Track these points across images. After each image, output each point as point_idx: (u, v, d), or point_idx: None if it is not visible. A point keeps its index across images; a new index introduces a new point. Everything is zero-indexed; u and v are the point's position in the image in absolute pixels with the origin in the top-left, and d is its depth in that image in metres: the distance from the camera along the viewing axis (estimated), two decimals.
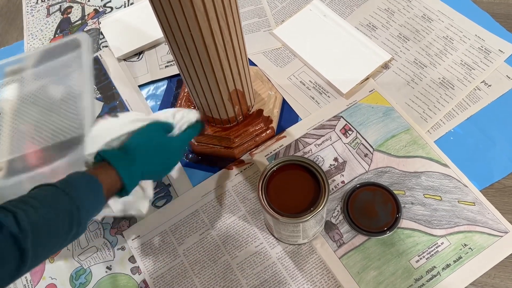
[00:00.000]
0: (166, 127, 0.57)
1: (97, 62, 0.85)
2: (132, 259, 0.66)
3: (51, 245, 0.42)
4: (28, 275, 0.67)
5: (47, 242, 0.41)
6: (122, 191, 0.52)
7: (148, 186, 0.58)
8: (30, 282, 0.67)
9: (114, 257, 0.67)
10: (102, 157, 0.52)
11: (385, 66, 0.78)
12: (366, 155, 0.69)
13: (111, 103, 0.81)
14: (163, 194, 0.71)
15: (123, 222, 0.69)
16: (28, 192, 0.44)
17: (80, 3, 0.96)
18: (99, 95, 0.82)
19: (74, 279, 0.66)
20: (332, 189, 0.67)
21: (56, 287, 0.66)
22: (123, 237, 0.68)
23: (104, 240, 0.68)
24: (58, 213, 0.42)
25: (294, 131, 0.73)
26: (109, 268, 0.66)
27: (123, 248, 0.67)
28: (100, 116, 0.79)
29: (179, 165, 0.73)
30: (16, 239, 0.38)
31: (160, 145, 0.55)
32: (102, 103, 0.81)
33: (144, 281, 0.64)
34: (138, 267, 0.65)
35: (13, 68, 0.86)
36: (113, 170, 0.50)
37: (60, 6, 0.96)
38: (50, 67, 0.82)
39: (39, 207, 0.41)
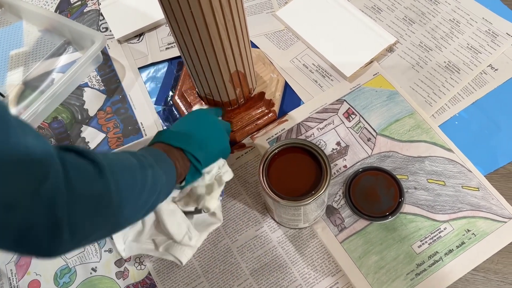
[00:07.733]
0: (211, 110, 0.62)
1: (103, 53, 0.82)
2: (118, 262, 0.64)
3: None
4: (13, 267, 0.66)
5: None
6: (195, 175, 0.54)
7: (195, 235, 0.59)
8: (15, 276, 0.66)
9: (100, 259, 0.65)
10: (159, 140, 0.52)
11: (390, 49, 0.76)
12: (369, 139, 0.68)
13: (114, 97, 0.79)
14: None
15: None
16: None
17: None
18: (103, 87, 0.80)
19: (59, 277, 0.65)
20: (334, 173, 0.66)
21: (40, 284, 0.64)
22: (112, 239, 0.65)
23: None
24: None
25: (296, 115, 0.71)
26: (94, 270, 0.64)
27: (110, 251, 0.65)
28: (101, 109, 0.77)
29: None
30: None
31: (211, 121, 0.59)
32: (105, 96, 0.79)
33: (127, 286, 0.63)
34: (123, 271, 0.64)
35: (18, 51, 0.84)
36: (179, 152, 0.51)
37: None
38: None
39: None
